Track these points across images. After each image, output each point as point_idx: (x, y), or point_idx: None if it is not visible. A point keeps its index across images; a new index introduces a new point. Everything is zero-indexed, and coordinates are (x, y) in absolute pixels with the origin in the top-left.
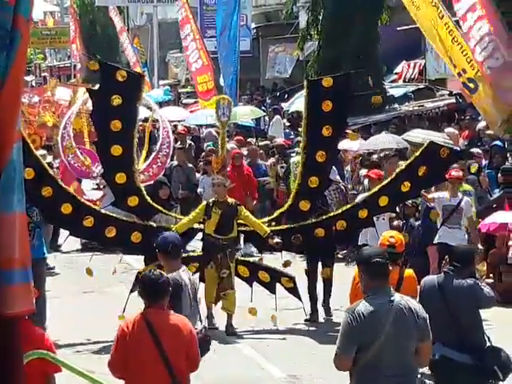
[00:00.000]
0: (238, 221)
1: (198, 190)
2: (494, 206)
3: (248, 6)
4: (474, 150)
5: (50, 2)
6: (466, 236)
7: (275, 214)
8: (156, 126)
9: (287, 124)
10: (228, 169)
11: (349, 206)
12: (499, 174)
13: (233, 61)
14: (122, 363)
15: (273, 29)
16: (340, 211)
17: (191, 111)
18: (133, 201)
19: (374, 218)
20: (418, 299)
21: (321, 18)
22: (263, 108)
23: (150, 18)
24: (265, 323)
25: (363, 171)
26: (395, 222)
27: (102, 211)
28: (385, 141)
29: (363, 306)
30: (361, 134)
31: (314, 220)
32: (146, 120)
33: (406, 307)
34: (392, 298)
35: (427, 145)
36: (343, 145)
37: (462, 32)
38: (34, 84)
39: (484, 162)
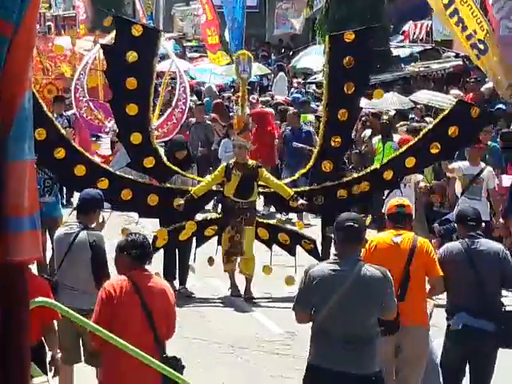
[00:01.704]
0: (259, 183)
1: (219, 154)
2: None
3: None
4: None
5: None
6: (488, 208)
7: (296, 175)
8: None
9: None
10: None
11: (373, 167)
12: (498, 139)
13: (239, 16)
14: (107, 326)
15: None
16: (364, 172)
17: (195, 65)
18: (149, 162)
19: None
20: (439, 267)
21: None
22: (266, 64)
23: None
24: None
25: (367, 131)
26: (422, 184)
27: (117, 173)
28: (389, 101)
29: (320, 269)
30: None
31: (336, 181)
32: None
33: (369, 277)
34: (355, 266)
35: (456, 103)
36: None
37: None
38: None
39: None
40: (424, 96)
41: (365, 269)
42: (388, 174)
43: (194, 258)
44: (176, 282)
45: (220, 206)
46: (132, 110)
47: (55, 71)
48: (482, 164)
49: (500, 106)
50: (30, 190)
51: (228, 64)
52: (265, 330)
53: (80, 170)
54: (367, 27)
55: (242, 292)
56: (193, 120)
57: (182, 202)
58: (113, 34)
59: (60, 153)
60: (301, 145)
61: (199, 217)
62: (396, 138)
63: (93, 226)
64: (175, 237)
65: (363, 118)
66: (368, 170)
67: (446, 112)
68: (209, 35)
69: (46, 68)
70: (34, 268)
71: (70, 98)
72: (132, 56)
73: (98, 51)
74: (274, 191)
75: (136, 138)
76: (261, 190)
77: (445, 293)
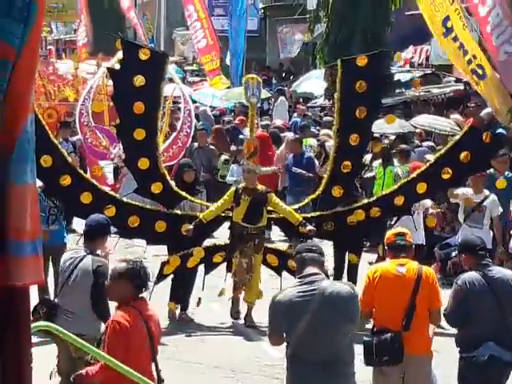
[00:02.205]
0: (268, 208)
1: (228, 178)
2: None
3: None
4: None
5: None
6: (491, 237)
7: (306, 201)
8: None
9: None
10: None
11: (384, 192)
12: None
13: (240, 40)
14: (121, 357)
15: (280, 9)
16: (375, 198)
17: (195, 90)
18: (157, 187)
19: None
20: (457, 300)
21: (331, 0)
22: (268, 88)
23: None
24: None
25: (368, 156)
26: (432, 211)
27: (124, 200)
28: (389, 125)
29: (286, 294)
30: None
31: (347, 207)
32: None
33: (336, 294)
34: (320, 287)
35: (468, 129)
36: None
37: (480, 16)
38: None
39: None
40: (424, 120)
41: (330, 287)
42: (399, 200)
43: (203, 286)
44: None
45: (229, 232)
46: (139, 134)
47: (58, 96)
48: (486, 192)
49: (500, 130)
50: (31, 214)
51: (228, 88)
52: (266, 355)
53: (86, 198)
54: (380, 51)
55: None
56: (195, 145)
57: (190, 227)
58: (117, 56)
59: (66, 180)
60: (300, 170)
61: (207, 243)
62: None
63: (98, 251)
64: (183, 263)
65: None
66: (379, 195)
67: (458, 137)
68: (210, 60)
69: (49, 92)
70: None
71: (74, 123)
72: (139, 80)
73: (103, 75)
74: (282, 217)
75: (143, 163)
76: (270, 215)
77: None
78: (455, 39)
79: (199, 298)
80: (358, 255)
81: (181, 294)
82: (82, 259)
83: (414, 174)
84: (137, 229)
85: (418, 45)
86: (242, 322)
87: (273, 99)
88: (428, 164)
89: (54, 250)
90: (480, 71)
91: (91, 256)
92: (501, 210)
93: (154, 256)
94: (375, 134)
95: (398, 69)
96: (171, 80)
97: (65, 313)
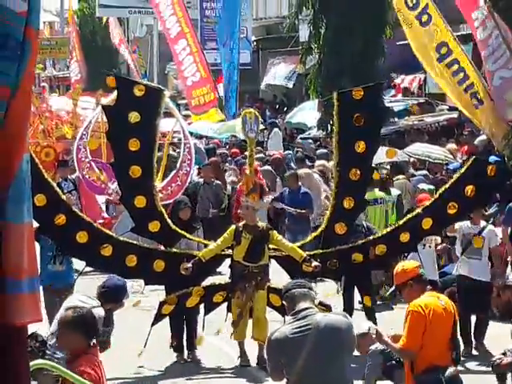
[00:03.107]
0: (270, 246)
1: None
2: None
3: (248, 19)
4: None
5: (49, 12)
6: (488, 268)
7: (309, 238)
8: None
9: None
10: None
11: (389, 228)
12: None
13: (233, 73)
14: None
15: (273, 41)
16: (379, 235)
17: (189, 123)
18: (154, 226)
19: (419, 246)
20: None
21: (323, 31)
22: (261, 120)
23: (151, 29)
24: None
25: None
26: (439, 247)
27: (121, 238)
28: (383, 155)
29: (281, 332)
30: None
31: (351, 244)
32: (164, 135)
33: (331, 326)
34: (314, 320)
35: (472, 162)
36: None
37: (479, 39)
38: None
39: None
40: (418, 149)
41: (325, 320)
42: (405, 237)
43: (203, 326)
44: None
45: (229, 271)
46: (135, 172)
47: (56, 133)
48: (483, 223)
49: (494, 158)
50: (29, 252)
51: (221, 121)
52: None
53: (82, 237)
54: (375, 83)
55: (254, 359)
56: (201, 180)
57: (189, 265)
58: (115, 93)
59: (60, 219)
60: (282, 205)
61: (207, 282)
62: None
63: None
64: (182, 303)
65: None
66: (384, 231)
67: (463, 171)
68: (193, 97)
69: (47, 130)
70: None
71: (72, 160)
72: (134, 116)
73: (101, 112)
74: (285, 254)
75: (140, 201)
76: (273, 253)
77: None
78: (451, 65)
79: (200, 337)
80: (371, 296)
81: (182, 339)
82: (93, 307)
83: (419, 210)
84: (134, 268)
85: (410, 74)
86: (254, 363)
87: (267, 131)
88: (433, 199)
89: (60, 291)
90: (475, 100)
91: (101, 308)
92: (499, 240)
93: (151, 291)
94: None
95: (391, 98)
96: (170, 114)
97: (54, 354)
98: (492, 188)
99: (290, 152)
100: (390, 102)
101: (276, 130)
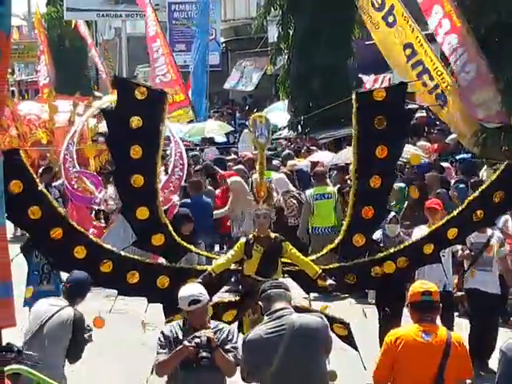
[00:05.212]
0: (283, 259)
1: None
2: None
3: (217, 21)
4: (444, 164)
5: (17, 16)
6: (498, 280)
7: (324, 251)
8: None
9: None
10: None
11: (411, 241)
12: (469, 189)
13: (202, 75)
14: None
15: (242, 43)
16: (402, 246)
17: None
18: (158, 239)
19: None
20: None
21: (291, 32)
22: (232, 122)
23: (119, 32)
24: None
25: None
26: (460, 253)
27: (122, 253)
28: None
29: (256, 334)
30: (332, 147)
31: (370, 257)
32: None
33: (306, 326)
34: (289, 321)
35: (505, 167)
36: (314, 157)
37: (438, 39)
38: None
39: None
40: None
41: (299, 320)
42: (428, 248)
43: None
44: None
45: (240, 287)
46: (137, 181)
47: (31, 138)
48: (489, 230)
49: (464, 156)
50: (0, 257)
51: (191, 122)
52: None
53: (80, 252)
54: (399, 83)
55: None
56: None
57: (198, 281)
58: (107, 97)
59: (57, 233)
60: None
61: (215, 299)
62: None
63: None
64: None
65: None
66: (406, 243)
67: (494, 178)
68: (174, 93)
69: (23, 134)
70: None
71: (49, 165)
72: (136, 121)
73: (87, 119)
74: (299, 269)
75: (142, 212)
76: (286, 268)
77: None
78: (415, 65)
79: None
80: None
81: None
82: (62, 308)
83: (444, 220)
84: (136, 285)
85: (380, 74)
86: None
87: (237, 133)
88: (461, 208)
89: None
90: (440, 101)
91: (72, 308)
92: (508, 248)
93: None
94: (341, 164)
95: None
96: None
97: (32, 360)
98: None
99: None
100: None
101: (246, 130)
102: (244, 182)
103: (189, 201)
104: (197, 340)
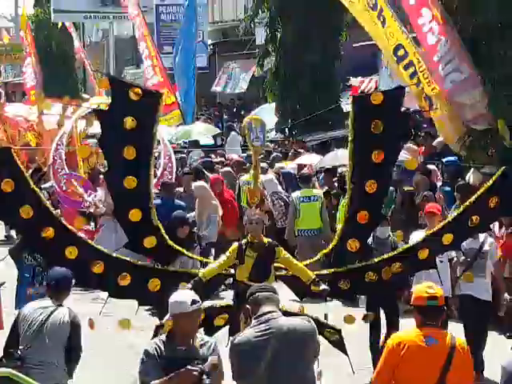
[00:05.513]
0: (276, 264)
1: None
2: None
3: (204, 23)
4: (431, 166)
5: (4, 17)
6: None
7: (318, 256)
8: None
9: None
10: None
11: (405, 246)
12: (455, 192)
13: (190, 77)
14: None
15: (229, 45)
16: (396, 252)
17: None
18: (150, 242)
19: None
20: None
21: (279, 34)
22: (220, 124)
23: (106, 34)
24: None
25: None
26: (455, 259)
27: (114, 255)
28: (344, 156)
29: (244, 336)
30: (319, 150)
31: (364, 262)
32: None
33: (291, 330)
34: (274, 324)
35: (501, 172)
36: (301, 160)
37: (429, 44)
38: None
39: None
40: None
41: (287, 323)
42: (423, 253)
43: None
44: None
45: (232, 292)
46: (130, 183)
47: (20, 141)
48: (481, 235)
49: (451, 158)
50: None
51: (180, 125)
52: None
53: (71, 253)
54: (396, 87)
55: None
56: (180, 189)
57: (188, 286)
58: (94, 99)
59: (48, 232)
60: None
61: (207, 303)
62: None
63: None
64: None
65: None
66: (400, 249)
67: (491, 182)
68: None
69: (11, 137)
70: None
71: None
72: (130, 122)
73: (76, 121)
74: (292, 274)
75: (135, 215)
76: (278, 273)
77: None
78: (407, 67)
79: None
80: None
81: None
82: (55, 309)
83: (440, 225)
84: (128, 288)
85: (367, 76)
86: None
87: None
88: (456, 213)
89: None
90: (427, 102)
91: (65, 307)
92: (499, 253)
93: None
94: (327, 167)
95: (347, 100)
96: None
97: (35, 364)
98: None
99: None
100: (347, 104)
101: (233, 133)
102: (231, 184)
103: (158, 202)
104: (201, 366)
